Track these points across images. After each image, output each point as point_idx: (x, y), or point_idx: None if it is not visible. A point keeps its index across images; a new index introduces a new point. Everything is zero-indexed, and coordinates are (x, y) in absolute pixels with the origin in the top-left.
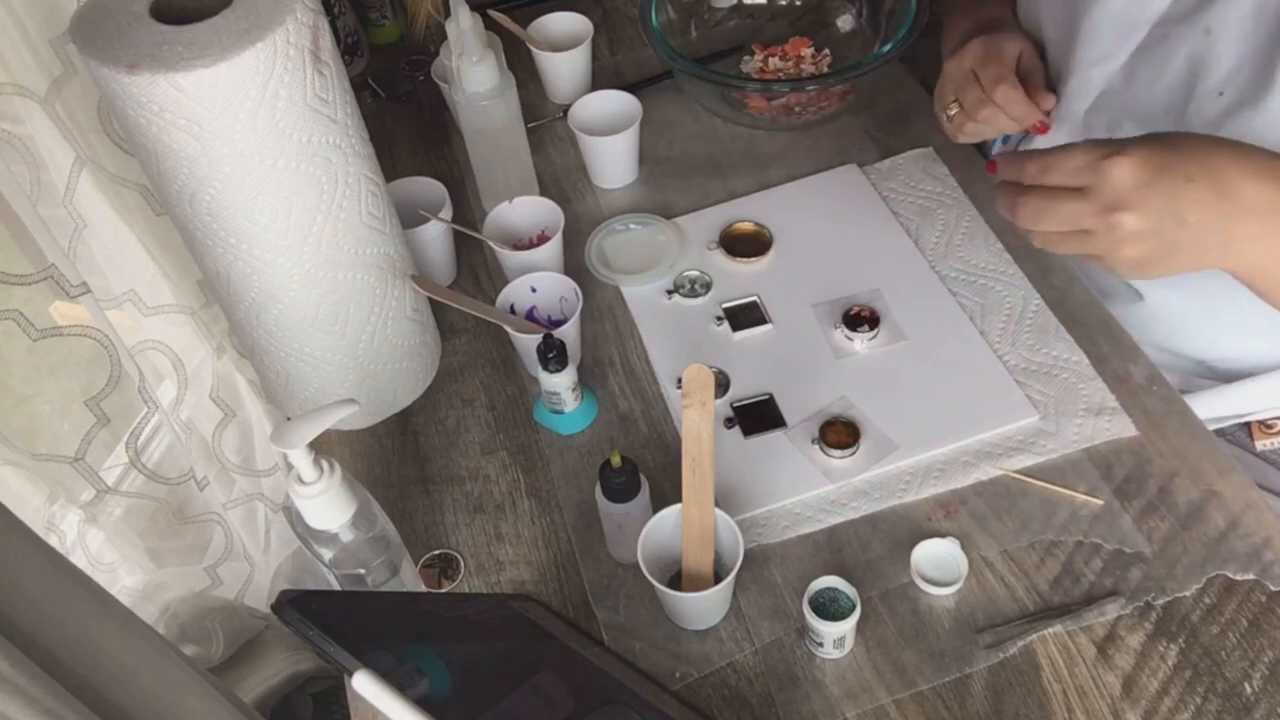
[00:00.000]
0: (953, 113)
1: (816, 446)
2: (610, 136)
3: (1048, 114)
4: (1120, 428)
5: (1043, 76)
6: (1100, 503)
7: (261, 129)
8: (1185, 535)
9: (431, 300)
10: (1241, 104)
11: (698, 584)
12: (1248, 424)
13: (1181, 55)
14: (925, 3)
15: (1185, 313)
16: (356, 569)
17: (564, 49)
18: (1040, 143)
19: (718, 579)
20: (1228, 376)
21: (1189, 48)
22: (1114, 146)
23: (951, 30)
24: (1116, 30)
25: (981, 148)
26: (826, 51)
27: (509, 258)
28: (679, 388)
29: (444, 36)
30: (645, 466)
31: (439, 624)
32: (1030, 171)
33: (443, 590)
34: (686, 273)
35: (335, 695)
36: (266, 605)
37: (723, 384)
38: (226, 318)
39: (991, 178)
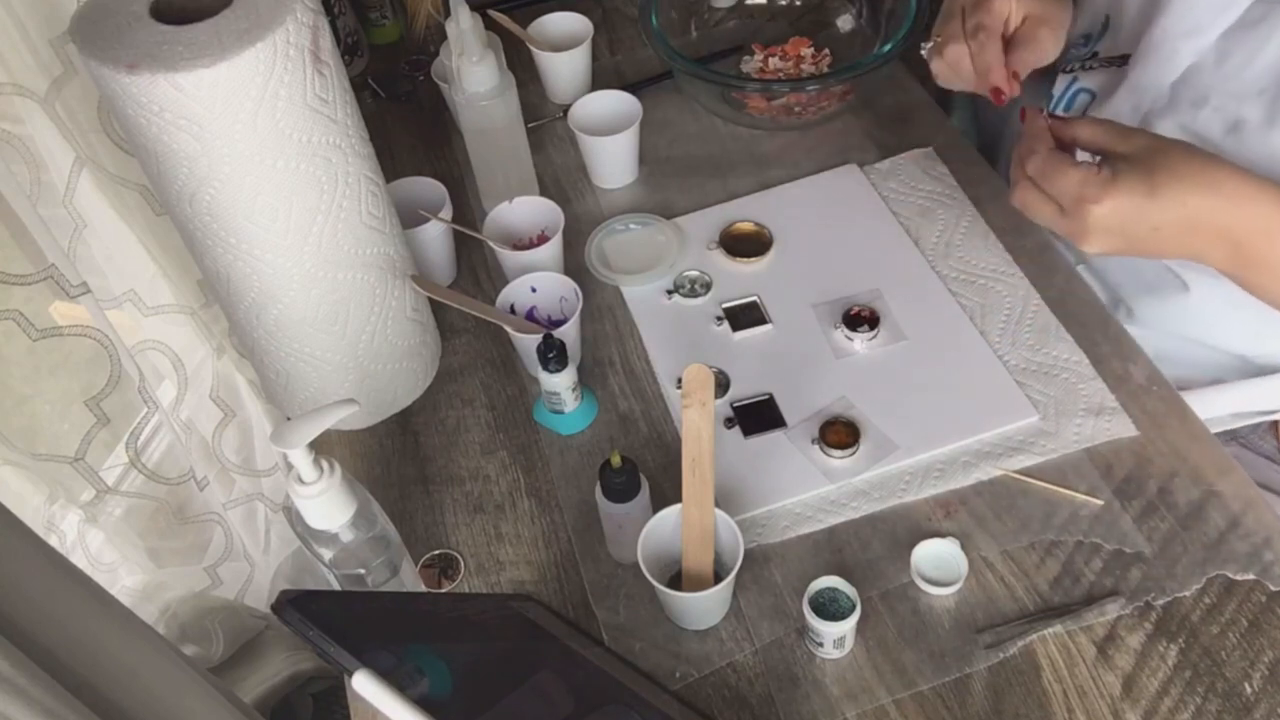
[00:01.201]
0: (930, 45)
1: (816, 446)
2: (610, 136)
3: (1012, 88)
4: (1120, 428)
5: (1036, 53)
6: (1100, 503)
7: (261, 129)
8: (1185, 535)
9: (431, 300)
10: None
11: (698, 584)
12: (1274, 424)
13: (1279, 38)
14: (925, 3)
15: (1236, 305)
16: (356, 569)
17: (564, 49)
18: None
19: (718, 579)
20: (1266, 372)
21: None
22: (1096, 193)
23: None
24: (1213, 2)
25: (981, 148)
26: (826, 51)
27: (509, 258)
28: (679, 388)
29: (444, 36)
30: (645, 466)
31: (439, 624)
32: (1032, 169)
33: (443, 590)
34: (686, 273)
35: (335, 695)
36: (266, 605)
37: (723, 384)
38: (226, 318)
39: (988, 179)
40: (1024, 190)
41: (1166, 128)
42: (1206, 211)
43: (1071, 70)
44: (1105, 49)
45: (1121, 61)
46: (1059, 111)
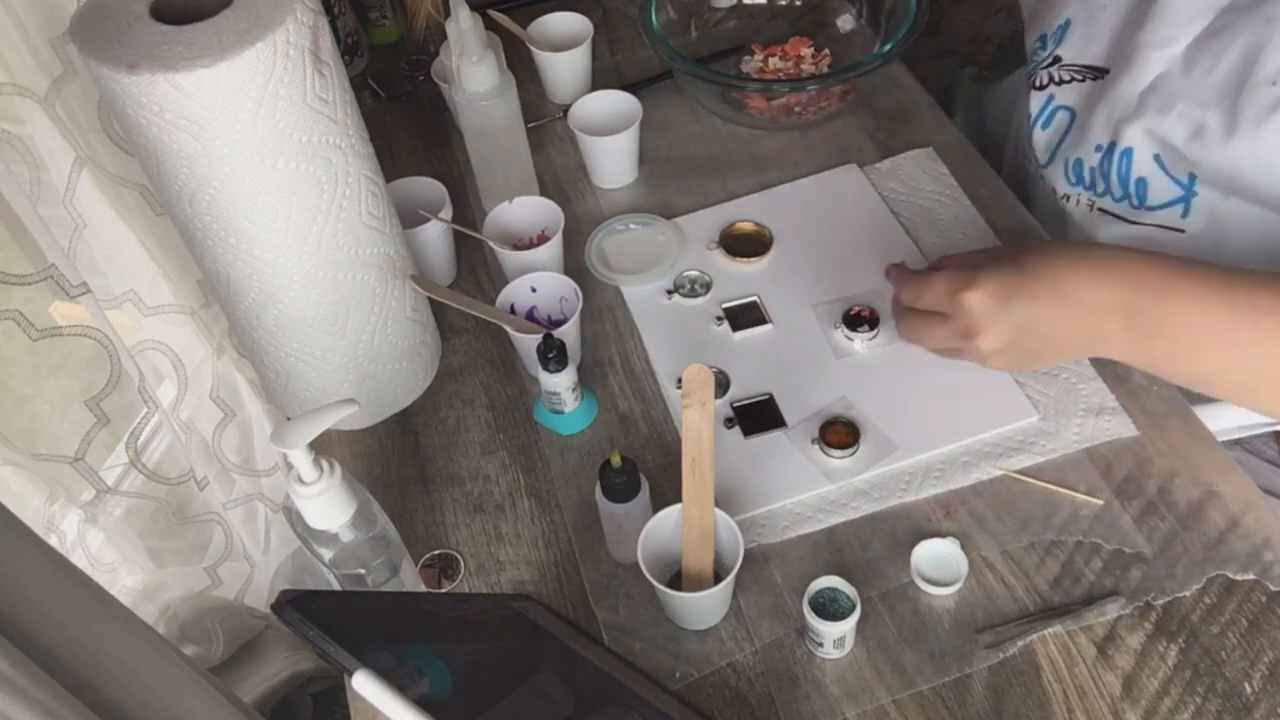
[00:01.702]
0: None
1: (816, 446)
2: (610, 136)
3: None
4: (1120, 428)
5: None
6: (1100, 503)
7: (261, 129)
8: (1185, 535)
9: (431, 300)
10: None
11: (698, 584)
12: (1276, 434)
13: (1239, 44)
14: (925, 3)
15: None
16: (356, 569)
17: (564, 49)
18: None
19: (718, 579)
20: None
21: (1247, 36)
22: (966, 280)
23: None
24: (1186, 13)
25: (981, 148)
26: (826, 51)
27: (509, 258)
28: (679, 388)
29: (444, 36)
30: (645, 466)
31: (439, 624)
32: (906, 296)
33: (443, 590)
34: (686, 273)
35: (335, 695)
36: (266, 605)
37: (723, 384)
38: (226, 318)
39: (988, 179)
40: (906, 320)
41: (1134, 133)
42: (1084, 277)
43: (1045, 86)
44: (1069, 54)
45: (1098, 74)
46: (1038, 127)
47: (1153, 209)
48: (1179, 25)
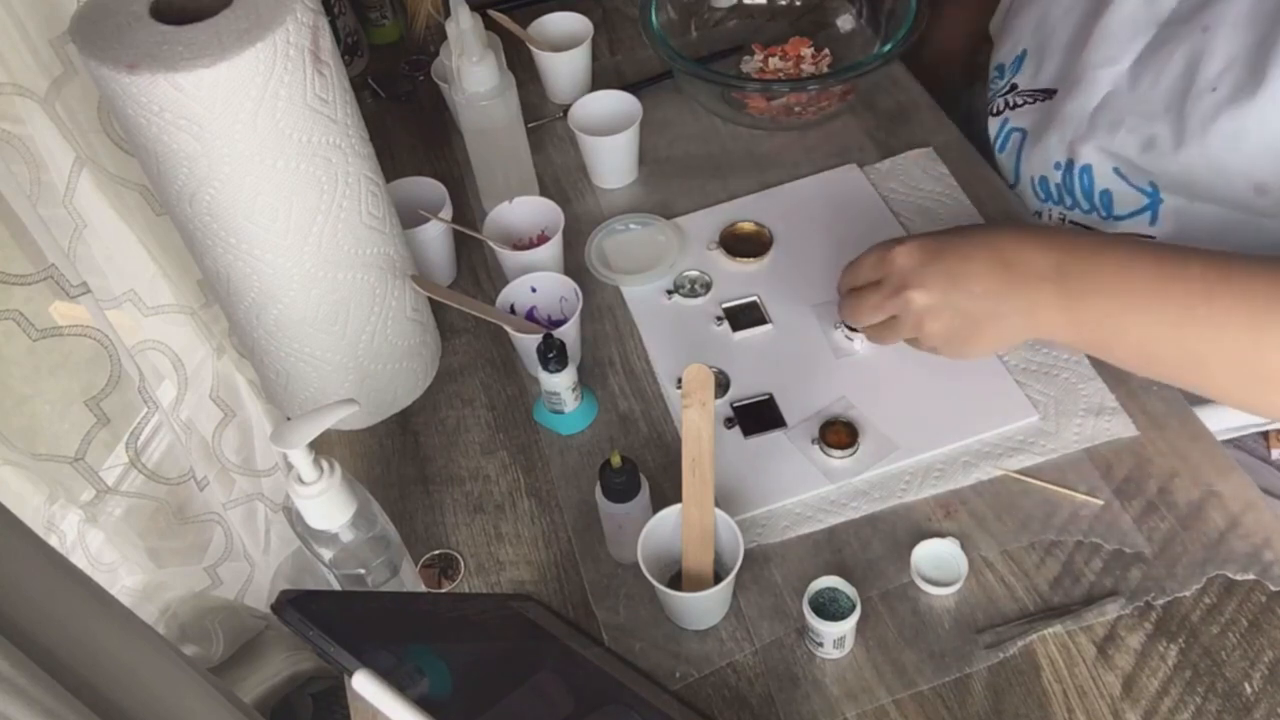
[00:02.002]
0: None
1: (816, 446)
2: (610, 136)
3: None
4: (1120, 428)
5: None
6: (1100, 503)
7: (261, 129)
8: (1185, 535)
9: (431, 300)
10: (1234, 99)
11: (698, 584)
12: (1265, 433)
13: (1180, 55)
14: (925, 3)
15: None
16: (356, 569)
17: (564, 49)
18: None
19: (718, 579)
20: None
21: (1187, 46)
22: (895, 240)
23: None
24: (1127, 32)
25: (981, 148)
26: (826, 51)
27: (509, 258)
28: (679, 388)
29: (444, 36)
30: (645, 466)
31: (439, 624)
32: (844, 282)
33: (443, 590)
34: (686, 273)
35: (335, 695)
36: (266, 605)
37: (723, 384)
38: (226, 318)
39: (988, 179)
40: (844, 302)
41: (1088, 152)
42: (1018, 240)
43: (1001, 113)
44: (1024, 82)
45: (1046, 95)
46: (998, 151)
47: (1120, 218)
48: (1122, 44)
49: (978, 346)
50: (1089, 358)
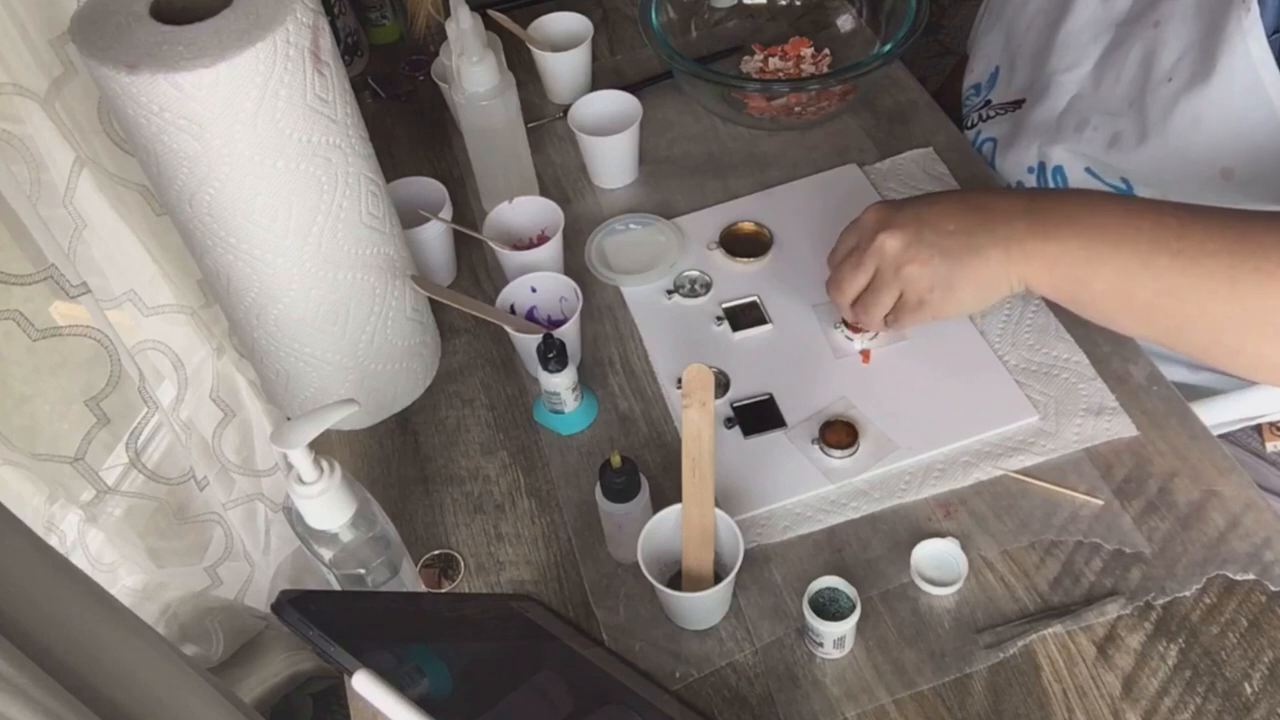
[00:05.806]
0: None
1: (816, 446)
2: (610, 136)
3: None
4: (1120, 428)
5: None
6: (1100, 503)
7: (261, 129)
8: (1185, 535)
9: (431, 300)
10: (1189, 86)
11: (698, 584)
12: (1258, 426)
13: (1136, 51)
14: (925, 2)
15: None
16: (356, 569)
17: (564, 49)
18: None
19: (718, 579)
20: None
21: (1142, 42)
22: (867, 207)
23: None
24: (1087, 36)
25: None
26: (826, 51)
27: (509, 258)
28: (679, 388)
29: (444, 36)
30: (645, 466)
31: (439, 624)
32: (830, 263)
33: (443, 590)
34: (686, 273)
35: (335, 695)
36: (266, 605)
37: (723, 384)
38: (226, 318)
39: (988, 179)
40: (832, 276)
41: (1059, 154)
42: (988, 191)
43: (974, 125)
44: (998, 96)
45: (1015, 106)
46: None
47: None
48: (1083, 48)
49: (964, 290)
50: (1089, 357)
